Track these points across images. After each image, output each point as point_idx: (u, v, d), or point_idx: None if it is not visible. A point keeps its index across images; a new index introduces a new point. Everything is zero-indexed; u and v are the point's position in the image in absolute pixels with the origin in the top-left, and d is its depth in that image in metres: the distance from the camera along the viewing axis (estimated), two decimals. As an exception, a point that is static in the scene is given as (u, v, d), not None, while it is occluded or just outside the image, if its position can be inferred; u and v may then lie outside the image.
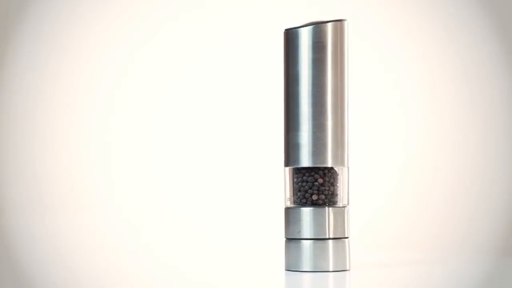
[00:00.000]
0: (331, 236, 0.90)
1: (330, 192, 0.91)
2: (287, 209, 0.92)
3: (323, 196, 0.91)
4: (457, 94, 1.39)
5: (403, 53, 1.41)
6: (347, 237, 0.91)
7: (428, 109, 1.40)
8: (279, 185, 0.95)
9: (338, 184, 0.91)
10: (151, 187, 1.47)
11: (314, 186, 0.91)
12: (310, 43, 0.91)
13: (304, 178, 0.91)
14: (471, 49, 1.38)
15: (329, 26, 0.91)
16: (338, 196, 0.92)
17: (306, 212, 0.91)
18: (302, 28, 0.91)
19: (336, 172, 0.91)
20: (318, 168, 0.91)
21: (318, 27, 0.91)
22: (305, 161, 0.91)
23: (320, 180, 0.91)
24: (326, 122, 0.91)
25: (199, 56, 1.47)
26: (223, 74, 1.47)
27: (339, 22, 0.92)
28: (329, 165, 0.91)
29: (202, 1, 1.48)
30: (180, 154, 1.48)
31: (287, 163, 0.92)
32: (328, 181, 0.91)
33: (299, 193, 0.92)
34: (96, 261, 1.04)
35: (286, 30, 0.92)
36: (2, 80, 1.48)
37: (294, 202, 0.92)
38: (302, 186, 0.91)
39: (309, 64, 0.91)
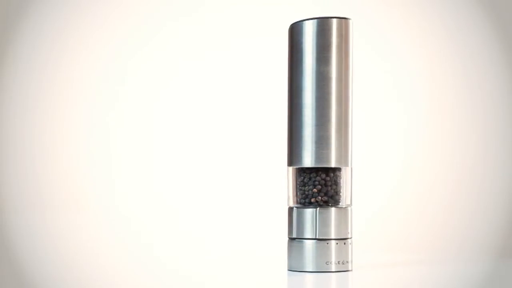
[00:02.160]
0: (334, 237, 0.90)
1: (305, 193, 0.91)
2: (290, 209, 0.92)
3: (299, 196, 0.91)
4: (457, 94, 1.39)
5: (404, 54, 1.41)
6: (350, 238, 0.91)
7: (429, 109, 1.40)
8: (282, 184, 0.95)
9: (319, 185, 0.91)
10: (152, 187, 1.47)
11: (297, 186, 0.92)
12: (314, 41, 0.91)
13: (305, 178, 0.91)
14: (472, 49, 1.38)
15: (334, 22, 0.91)
16: (341, 196, 0.92)
17: (309, 212, 0.91)
18: (306, 21, 0.91)
19: (322, 173, 0.91)
20: (321, 168, 0.91)
21: (323, 22, 0.91)
22: (308, 161, 0.91)
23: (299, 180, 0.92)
24: (330, 123, 0.91)
25: (201, 55, 1.47)
26: (225, 74, 1.47)
27: (344, 20, 0.92)
28: (333, 165, 0.91)
29: (203, 0, 1.48)
30: (182, 153, 1.48)
31: (290, 163, 0.92)
32: (302, 181, 0.91)
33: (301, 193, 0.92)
34: (96, 261, 1.04)
35: (291, 25, 0.92)
36: (2, 80, 1.48)
37: (297, 202, 0.92)
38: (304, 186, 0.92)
39: (313, 63, 0.91)
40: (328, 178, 0.91)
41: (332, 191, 0.91)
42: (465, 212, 1.34)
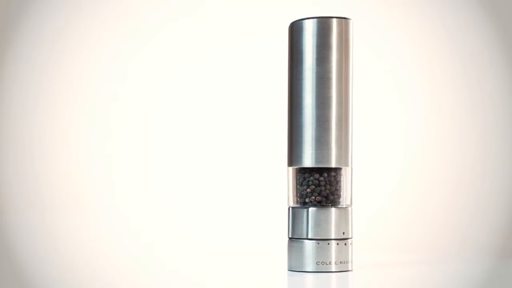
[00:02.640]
0: (334, 237, 0.90)
1: (301, 193, 0.91)
2: (289, 209, 0.92)
3: (298, 196, 0.91)
4: (457, 94, 1.39)
5: (404, 54, 1.41)
6: (350, 238, 0.91)
7: (429, 109, 1.40)
8: (282, 184, 0.95)
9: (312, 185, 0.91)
10: (152, 187, 1.47)
11: (297, 186, 0.92)
12: (314, 40, 0.91)
13: (300, 178, 0.91)
14: (472, 49, 1.38)
15: (334, 22, 0.91)
16: (337, 196, 0.92)
17: (309, 212, 0.91)
18: (306, 20, 0.91)
19: (319, 174, 0.91)
20: (321, 169, 0.91)
21: (323, 21, 0.91)
22: (308, 161, 0.91)
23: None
24: (330, 123, 0.91)
25: (201, 55, 1.47)
26: (225, 74, 1.46)
27: (344, 19, 0.92)
28: (333, 165, 0.91)
29: (203, 0, 1.48)
30: (182, 153, 1.47)
31: (290, 163, 0.92)
32: (299, 181, 0.92)
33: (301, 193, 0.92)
34: (96, 261, 1.04)
35: (291, 23, 0.92)
36: (2, 80, 1.48)
37: (297, 202, 0.92)
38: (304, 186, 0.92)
39: (313, 63, 0.91)
40: (321, 178, 0.91)
41: (327, 191, 0.91)
42: (465, 212, 1.34)
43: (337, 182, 0.91)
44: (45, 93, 1.51)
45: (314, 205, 0.91)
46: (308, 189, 0.91)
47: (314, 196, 0.91)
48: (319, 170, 0.91)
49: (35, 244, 1.20)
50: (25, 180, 1.49)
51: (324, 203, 0.91)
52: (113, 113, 1.51)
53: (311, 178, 0.91)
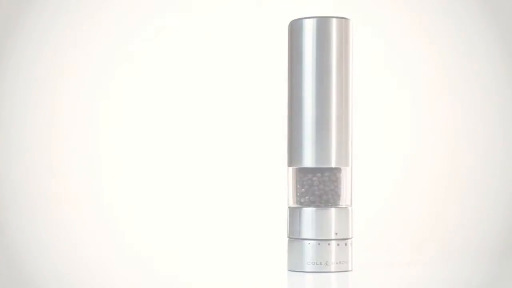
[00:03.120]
0: (334, 237, 0.90)
1: (297, 193, 0.91)
2: (289, 209, 0.92)
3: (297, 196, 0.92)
4: (458, 94, 1.39)
5: (404, 53, 1.41)
6: (350, 238, 0.91)
7: (430, 108, 1.40)
8: (282, 184, 0.95)
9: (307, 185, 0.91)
10: (151, 187, 1.47)
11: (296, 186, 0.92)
12: (314, 40, 0.91)
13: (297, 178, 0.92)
14: (473, 48, 1.38)
15: (334, 22, 0.91)
16: (340, 196, 0.92)
17: (309, 212, 0.91)
18: (306, 20, 0.91)
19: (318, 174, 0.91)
20: (316, 169, 0.91)
21: (322, 21, 0.91)
22: (308, 161, 0.91)
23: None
24: (330, 123, 0.91)
25: (199, 54, 1.47)
26: (224, 73, 1.46)
27: (344, 19, 0.92)
28: (333, 165, 0.91)
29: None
30: (181, 153, 1.47)
31: (290, 163, 0.92)
32: (296, 182, 0.92)
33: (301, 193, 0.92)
34: (94, 260, 1.04)
35: (291, 22, 0.92)
36: (1, 79, 1.48)
37: (296, 201, 0.92)
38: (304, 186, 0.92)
39: (313, 63, 0.91)
40: (315, 178, 0.91)
41: (320, 191, 0.91)
42: (465, 212, 1.34)
43: (332, 182, 0.91)
44: (44, 93, 1.51)
45: (309, 205, 0.91)
46: (303, 189, 0.91)
47: (308, 196, 0.91)
48: (313, 170, 0.91)
49: (34, 244, 1.20)
50: (25, 180, 1.49)
51: (318, 203, 0.91)
52: (111, 112, 1.51)
53: (305, 178, 0.91)
